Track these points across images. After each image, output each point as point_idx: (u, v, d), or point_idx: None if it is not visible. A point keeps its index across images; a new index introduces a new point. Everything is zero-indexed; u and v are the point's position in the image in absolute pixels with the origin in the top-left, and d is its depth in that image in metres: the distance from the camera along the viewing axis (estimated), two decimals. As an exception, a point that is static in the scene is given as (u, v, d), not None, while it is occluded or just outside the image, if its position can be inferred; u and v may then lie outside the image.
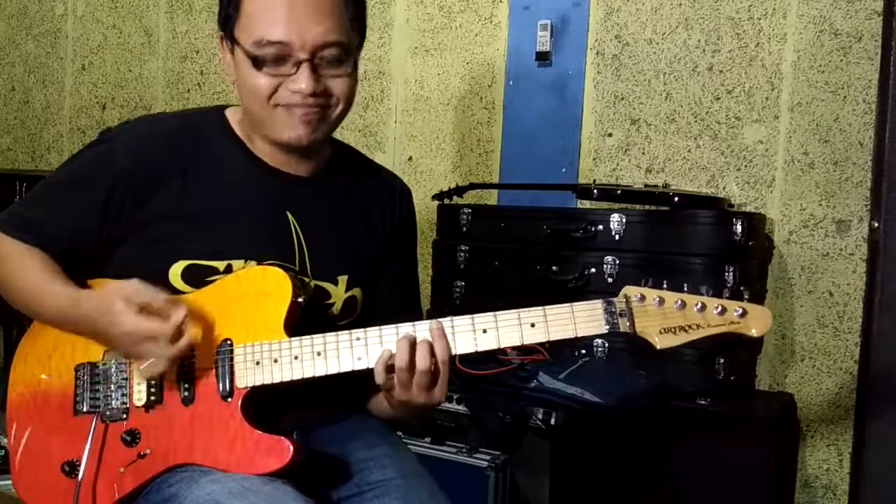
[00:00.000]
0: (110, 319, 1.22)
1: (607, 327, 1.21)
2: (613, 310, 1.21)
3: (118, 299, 1.21)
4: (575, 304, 1.23)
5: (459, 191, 2.66)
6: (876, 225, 2.09)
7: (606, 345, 2.30)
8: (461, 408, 2.13)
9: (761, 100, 2.49)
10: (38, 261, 1.33)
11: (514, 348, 2.21)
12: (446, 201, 2.67)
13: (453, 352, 1.24)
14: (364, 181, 1.50)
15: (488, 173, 2.91)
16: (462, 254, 2.57)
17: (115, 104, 3.76)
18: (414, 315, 1.56)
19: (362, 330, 1.26)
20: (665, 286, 1.22)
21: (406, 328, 1.25)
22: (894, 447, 2.06)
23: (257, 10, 1.26)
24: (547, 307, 1.23)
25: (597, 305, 1.22)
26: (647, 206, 2.44)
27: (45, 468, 1.32)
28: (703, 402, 2.21)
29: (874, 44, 2.30)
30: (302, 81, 1.26)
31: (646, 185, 2.55)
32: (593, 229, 2.35)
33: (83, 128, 3.85)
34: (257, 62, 1.27)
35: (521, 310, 1.23)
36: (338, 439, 1.40)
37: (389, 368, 1.23)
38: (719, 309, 1.20)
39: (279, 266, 1.30)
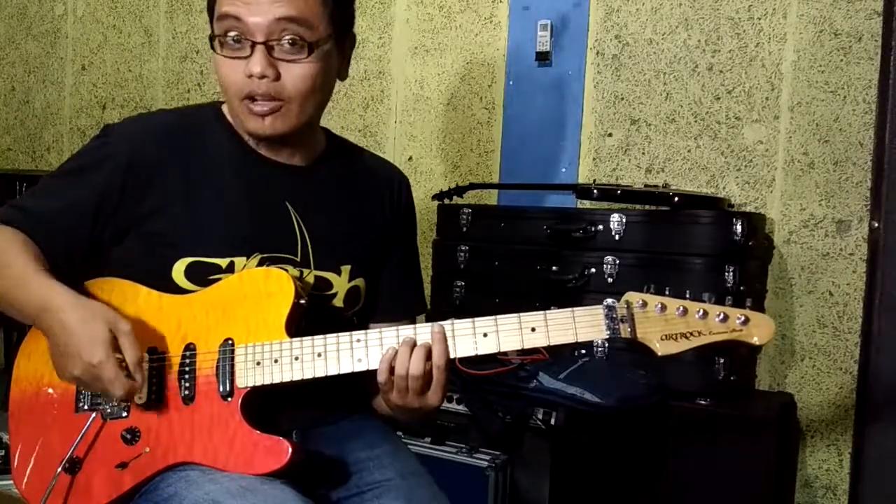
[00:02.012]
0: (83, 342, 1.19)
1: (608, 333, 1.20)
2: (615, 315, 1.21)
3: (104, 327, 1.19)
4: (576, 308, 1.22)
5: (459, 191, 2.66)
6: (876, 225, 2.09)
7: (606, 345, 2.30)
8: (461, 408, 2.13)
9: (761, 100, 2.49)
10: (27, 249, 1.29)
11: (513, 349, 2.21)
12: (446, 201, 2.67)
13: (453, 355, 1.24)
14: (361, 171, 1.50)
15: (488, 173, 2.91)
16: (462, 254, 2.57)
17: (115, 104, 3.76)
18: (417, 306, 1.56)
19: (363, 332, 1.26)
20: (667, 292, 1.21)
21: (407, 331, 1.24)
22: (894, 447, 2.06)
23: None
24: (548, 311, 1.23)
25: (598, 311, 1.21)
26: (647, 206, 2.44)
27: (46, 465, 1.32)
28: (702, 402, 2.21)
29: (874, 44, 2.30)
30: (255, 64, 1.25)
31: (646, 185, 2.55)
32: (593, 229, 2.35)
33: (83, 128, 3.85)
34: (215, 42, 1.27)
35: (521, 314, 1.23)
36: (337, 439, 1.40)
37: (393, 368, 1.23)
38: (721, 316, 1.19)
39: (281, 259, 1.30)
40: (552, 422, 2.02)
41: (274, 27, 1.25)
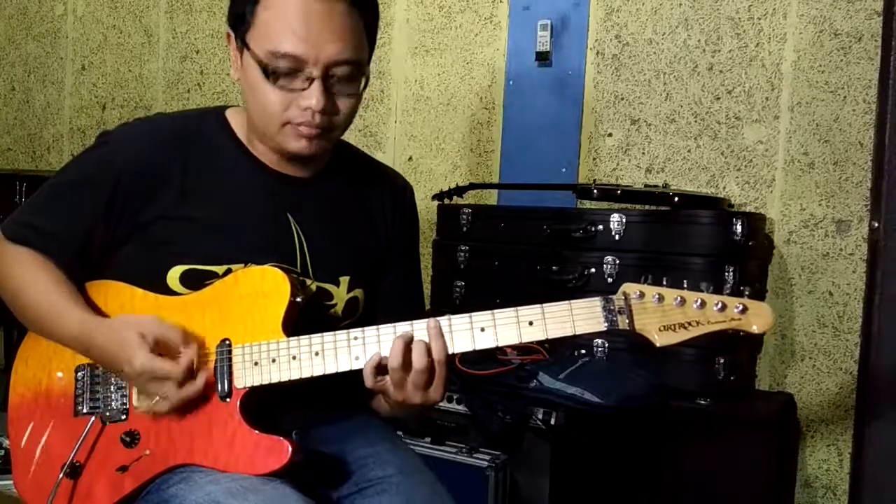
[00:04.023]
0: (125, 355, 1.21)
1: (606, 325, 1.19)
2: (612, 307, 1.19)
3: (134, 333, 1.21)
4: (573, 301, 1.21)
5: (459, 191, 2.66)
6: (876, 225, 2.09)
7: (606, 345, 2.30)
8: (461, 408, 2.13)
9: (761, 100, 2.49)
10: (52, 276, 1.32)
11: (513, 348, 2.21)
12: (446, 201, 2.67)
13: (451, 351, 1.23)
14: (365, 180, 1.49)
15: (488, 173, 2.91)
16: (462, 254, 2.57)
17: (115, 104, 3.76)
18: (417, 315, 1.56)
19: (360, 329, 1.25)
20: (665, 283, 1.20)
21: (403, 327, 1.24)
22: (894, 447, 2.06)
23: (273, 20, 1.24)
24: (545, 305, 1.21)
25: (595, 303, 1.20)
26: (647, 206, 2.44)
27: (47, 469, 1.32)
28: (703, 402, 2.21)
29: (874, 44, 2.30)
30: (313, 98, 1.25)
31: (646, 185, 2.55)
32: (593, 229, 2.35)
33: (83, 128, 3.85)
34: (268, 73, 1.25)
35: (519, 308, 1.22)
36: (338, 438, 1.40)
37: (379, 370, 1.22)
38: (720, 305, 1.17)
39: (278, 266, 1.30)
40: (552, 422, 2.02)
41: (332, 66, 1.26)
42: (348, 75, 1.28)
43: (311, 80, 1.25)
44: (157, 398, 1.23)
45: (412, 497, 1.32)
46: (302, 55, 1.23)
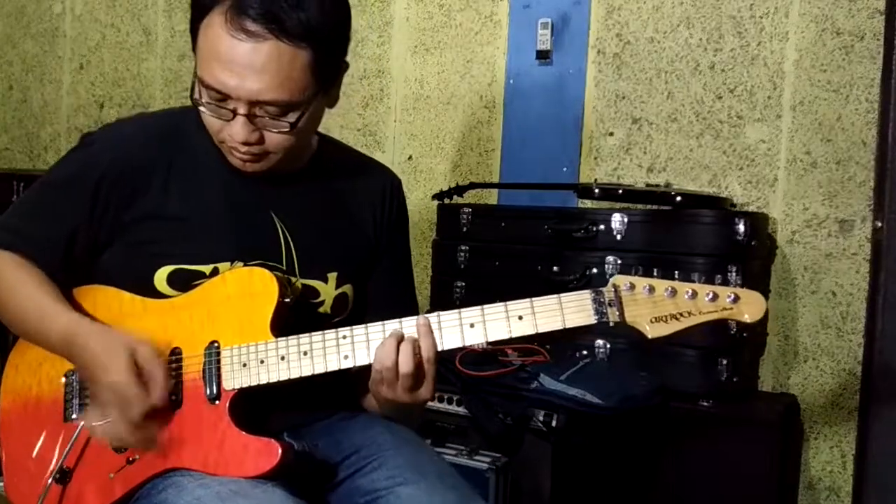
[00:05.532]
0: (110, 363, 1.19)
1: (596, 317, 1.17)
2: (602, 299, 1.18)
3: (124, 349, 1.20)
4: (563, 294, 1.19)
5: (459, 190, 2.65)
6: (879, 225, 2.08)
7: (608, 346, 2.29)
8: (461, 409, 2.12)
9: (763, 99, 2.48)
10: (37, 278, 1.30)
11: (514, 349, 2.20)
12: (446, 201, 2.66)
13: (440, 347, 1.22)
14: (351, 175, 1.48)
15: (488, 173, 2.89)
16: (462, 254, 2.56)
17: (113, 103, 3.74)
18: (408, 311, 1.54)
19: (348, 328, 1.24)
20: (655, 274, 1.19)
21: (393, 325, 1.23)
22: (898, 449, 2.05)
23: (204, 49, 1.24)
24: (535, 299, 1.20)
25: (585, 295, 1.18)
26: (648, 206, 2.42)
27: (37, 474, 1.30)
28: (705, 403, 2.20)
29: (876, 42, 2.29)
30: (235, 130, 1.24)
31: (647, 185, 2.53)
32: (594, 229, 2.33)
33: (81, 127, 3.83)
34: (196, 99, 1.26)
35: (508, 302, 1.21)
36: (330, 431, 1.39)
37: (383, 362, 1.21)
38: (711, 295, 1.16)
39: (265, 266, 1.29)
40: (553, 423, 2.01)
41: (256, 104, 1.23)
42: (277, 113, 1.24)
43: (235, 112, 1.23)
44: (111, 420, 1.20)
45: (413, 466, 1.31)
46: (224, 90, 1.22)
